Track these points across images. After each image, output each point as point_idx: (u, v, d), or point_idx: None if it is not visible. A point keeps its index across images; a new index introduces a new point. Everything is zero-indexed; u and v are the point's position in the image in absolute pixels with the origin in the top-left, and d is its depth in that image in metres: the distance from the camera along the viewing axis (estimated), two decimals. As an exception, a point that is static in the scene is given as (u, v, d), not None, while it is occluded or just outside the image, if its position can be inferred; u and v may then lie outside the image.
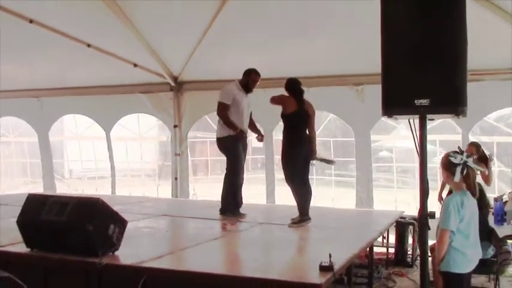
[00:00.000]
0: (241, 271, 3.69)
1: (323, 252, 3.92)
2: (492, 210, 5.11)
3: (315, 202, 6.39)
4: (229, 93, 6.32)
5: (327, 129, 10.11)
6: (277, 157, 6.74)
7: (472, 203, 3.43)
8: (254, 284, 3.46)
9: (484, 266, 4.87)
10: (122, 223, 4.08)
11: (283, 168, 5.95)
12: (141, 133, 11.16)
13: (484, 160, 6.13)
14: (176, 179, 9.52)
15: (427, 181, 2.94)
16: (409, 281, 6.27)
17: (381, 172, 13.12)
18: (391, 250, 7.15)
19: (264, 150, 9.10)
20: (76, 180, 14.57)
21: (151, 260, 3.78)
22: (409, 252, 7.08)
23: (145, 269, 3.59)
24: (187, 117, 9.50)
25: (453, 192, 3.44)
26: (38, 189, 10.53)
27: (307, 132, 5.90)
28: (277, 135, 8.31)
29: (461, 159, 3.35)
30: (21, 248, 4.01)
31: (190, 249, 4.42)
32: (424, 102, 2.77)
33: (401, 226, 7.10)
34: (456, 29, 2.80)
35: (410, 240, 7.11)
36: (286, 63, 7.90)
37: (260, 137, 6.69)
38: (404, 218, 7.14)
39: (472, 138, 7.55)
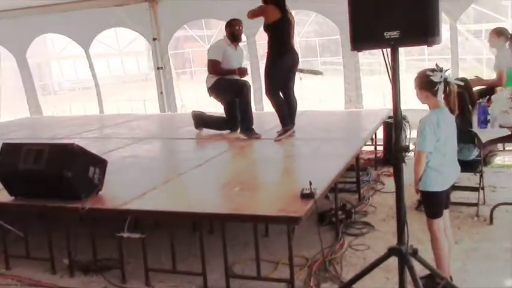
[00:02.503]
0: (222, 205, 3.71)
1: (307, 174, 3.95)
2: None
3: (302, 106, 6.32)
4: (219, 49, 6.22)
5: (311, 29, 9.76)
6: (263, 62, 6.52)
7: (449, 121, 3.35)
8: (232, 219, 3.52)
9: (469, 167, 4.90)
10: (101, 163, 4.07)
11: (264, 80, 5.89)
12: (121, 48, 10.83)
13: None
14: (162, 93, 9.39)
15: (402, 116, 2.84)
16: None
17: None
18: (380, 148, 7.14)
19: (249, 57, 8.84)
20: (61, 99, 14.22)
21: (135, 200, 3.79)
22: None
23: (128, 211, 3.61)
24: (166, 29, 9.14)
25: (429, 111, 3.35)
26: (25, 113, 10.44)
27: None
28: (260, 40, 8.06)
29: (441, 76, 3.23)
30: (5, 196, 4.02)
31: (173, 181, 4.41)
32: (394, 34, 2.62)
33: (389, 125, 7.02)
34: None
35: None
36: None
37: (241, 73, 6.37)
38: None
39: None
